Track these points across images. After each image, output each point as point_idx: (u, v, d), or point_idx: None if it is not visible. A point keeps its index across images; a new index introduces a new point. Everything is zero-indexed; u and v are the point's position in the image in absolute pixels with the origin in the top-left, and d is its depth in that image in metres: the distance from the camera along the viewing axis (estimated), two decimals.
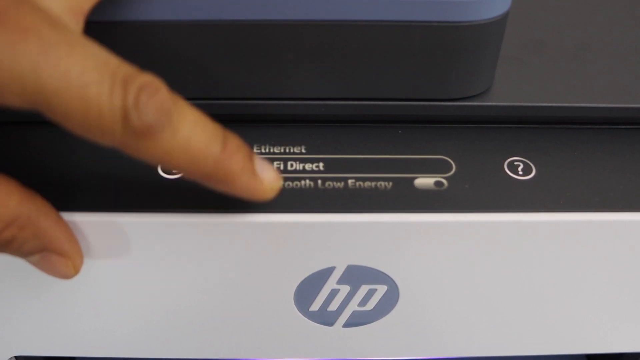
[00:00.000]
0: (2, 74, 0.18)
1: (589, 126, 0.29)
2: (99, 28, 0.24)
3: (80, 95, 0.19)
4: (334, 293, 0.29)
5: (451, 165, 0.27)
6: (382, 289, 0.28)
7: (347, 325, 0.30)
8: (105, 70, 0.19)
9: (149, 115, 0.20)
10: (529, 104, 0.27)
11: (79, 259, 0.25)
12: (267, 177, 0.23)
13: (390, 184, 0.26)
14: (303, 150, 0.28)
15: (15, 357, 0.33)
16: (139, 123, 0.20)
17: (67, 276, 0.25)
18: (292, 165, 0.27)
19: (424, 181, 0.26)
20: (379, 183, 0.26)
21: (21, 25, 0.19)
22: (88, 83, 0.19)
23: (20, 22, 0.19)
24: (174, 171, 0.22)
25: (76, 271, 0.25)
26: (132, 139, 0.20)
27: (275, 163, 0.27)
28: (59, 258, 0.24)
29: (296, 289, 0.28)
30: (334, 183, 0.26)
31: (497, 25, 0.25)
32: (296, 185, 0.26)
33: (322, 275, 0.28)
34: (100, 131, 0.20)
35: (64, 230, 0.24)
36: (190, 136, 0.21)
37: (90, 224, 0.25)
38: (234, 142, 0.22)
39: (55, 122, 0.20)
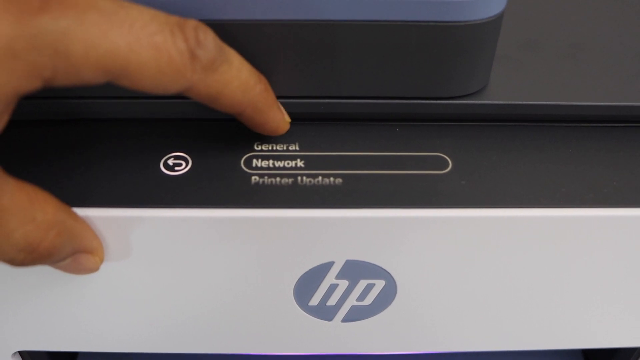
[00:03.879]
0: (76, 47, 0.19)
1: (583, 124, 0.29)
2: None
3: (150, 44, 0.20)
4: (332, 288, 0.29)
5: (447, 162, 0.27)
6: (380, 284, 0.29)
7: (345, 319, 0.30)
8: (158, 20, 0.21)
9: (212, 51, 0.22)
10: (524, 102, 0.28)
11: (102, 251, 0.26)
12: (285, 112, 0.27)
13: (388, 180, 0.27)
14: (301, 148, 0.28)
15: (19, 352, 0.33)
16: (206, 58, 0.22)
17: (93, 270, 0.26)
18: (291, 162, 0.27)
19: (421, 178, 0.27)
20: (377, 179, 0.27)
21: (79, 2, 0.20)
22: (152, 33, 0.20)
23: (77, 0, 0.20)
24: (228, 109, 0.24)
25: (101, 262, 0.26)
26: (201, 75, 0.22)
27: (273, 160, 0.27)
28: (87, 256, 0.25)
29: (296, 284, 0.28)
30: (333, 179, 0.27)
31: (492, 25, 0.26)
32: (295, 181, 0.26)
33: (321, 270, 0.28)
34: (174, 75, 0.21)
35: (89, 229, 0.25)
36: (239, 67, 0.23)
37: (91, 220, 0.25)
38: (264, 76, 0.25)
39: (128, 87, 0.21)
